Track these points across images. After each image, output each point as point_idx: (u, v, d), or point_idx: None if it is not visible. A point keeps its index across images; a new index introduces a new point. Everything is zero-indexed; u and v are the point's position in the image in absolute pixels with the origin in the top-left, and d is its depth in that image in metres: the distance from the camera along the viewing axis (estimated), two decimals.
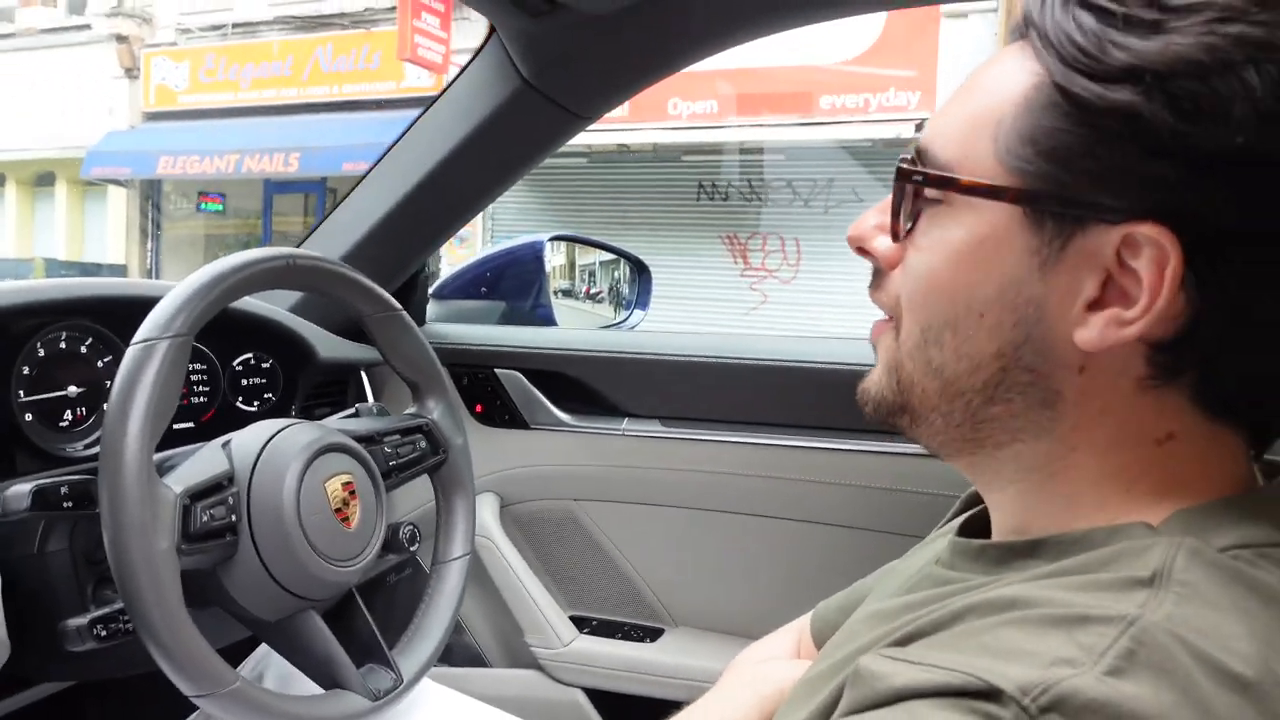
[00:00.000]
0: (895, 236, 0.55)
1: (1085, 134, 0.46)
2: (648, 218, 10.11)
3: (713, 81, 9.10)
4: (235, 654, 1.06)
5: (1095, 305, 0.48)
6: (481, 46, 1.17)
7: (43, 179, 13.82)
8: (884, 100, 8.77)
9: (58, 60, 12.86)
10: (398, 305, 0.97)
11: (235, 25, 12.07)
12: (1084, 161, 0.47)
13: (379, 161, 1.30)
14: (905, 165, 0.54)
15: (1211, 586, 0.43)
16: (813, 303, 9.31)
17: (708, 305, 9.52)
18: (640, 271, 1.94)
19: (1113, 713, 0.38)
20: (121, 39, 12.53)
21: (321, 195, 12.56)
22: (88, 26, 12.83)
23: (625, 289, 1.96)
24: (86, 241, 13.54)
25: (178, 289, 0.77)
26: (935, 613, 0.50)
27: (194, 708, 0.76)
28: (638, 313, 1.89)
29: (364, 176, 1.33)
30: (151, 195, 13.08)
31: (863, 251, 0.59)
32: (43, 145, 12.91)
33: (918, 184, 0.54)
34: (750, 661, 0.82)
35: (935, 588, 0.56)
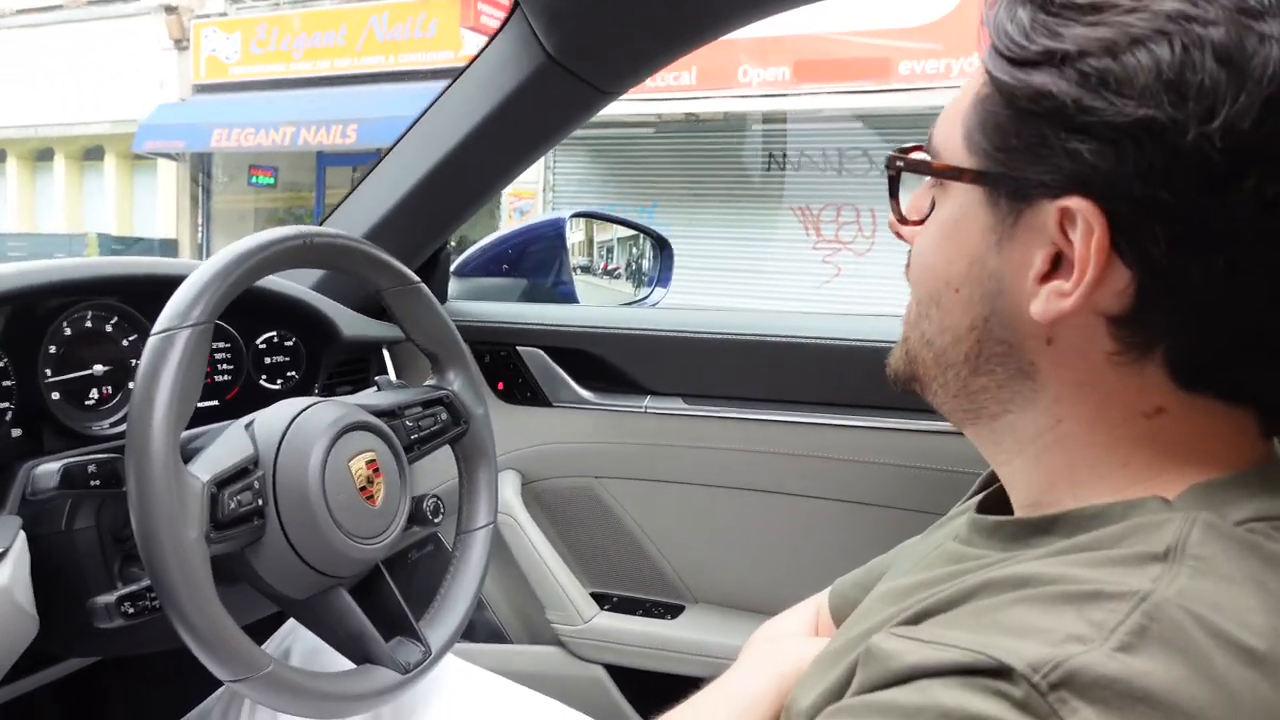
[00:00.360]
0: (902, 220, 0.61)
1: (1011, 115, 0.50)
2: (716, 189, 9.84)
3: (785, 47, 8.81)
4: (262, 628, 1.07)
5: (1045, 278, 0.51)
6: (505, 21, 1.16)
7: (91, 153, 13.69)
8: (966, 65, 8.40)
9: (105, 32, 12.63)
10: (416, 278, 0.97)
11: None
12: (1015, 141, 0.51)
13: (401, 138, 1.30)
14: (893, 154, 0.59)
15: (1227, 560, 0.44)
16: (889, 275, 8.90)
17: (778, 279, 9.32)
18: (662, 248, 1.93)
19: (1123, 688, 0.38)
20: (170, 10, 12.20)
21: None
22: None
23: (645, 265, 1.96)
24: (136, 216, 13.42)
25: (196, 274, 0.76)
26: (948, 590, 0.51)
27: (216, 682, 0.77)
28: (659, 290, 1.88)
29: (386, 153, 1.32)
30: (202, 169, 12.87)
31: (900, 235, 0.63)
32: (91, 119, 12.72)
33: (899, 168, 0.59)
34: (767, 638, 0.83)
35: (951, 564, 0.57)
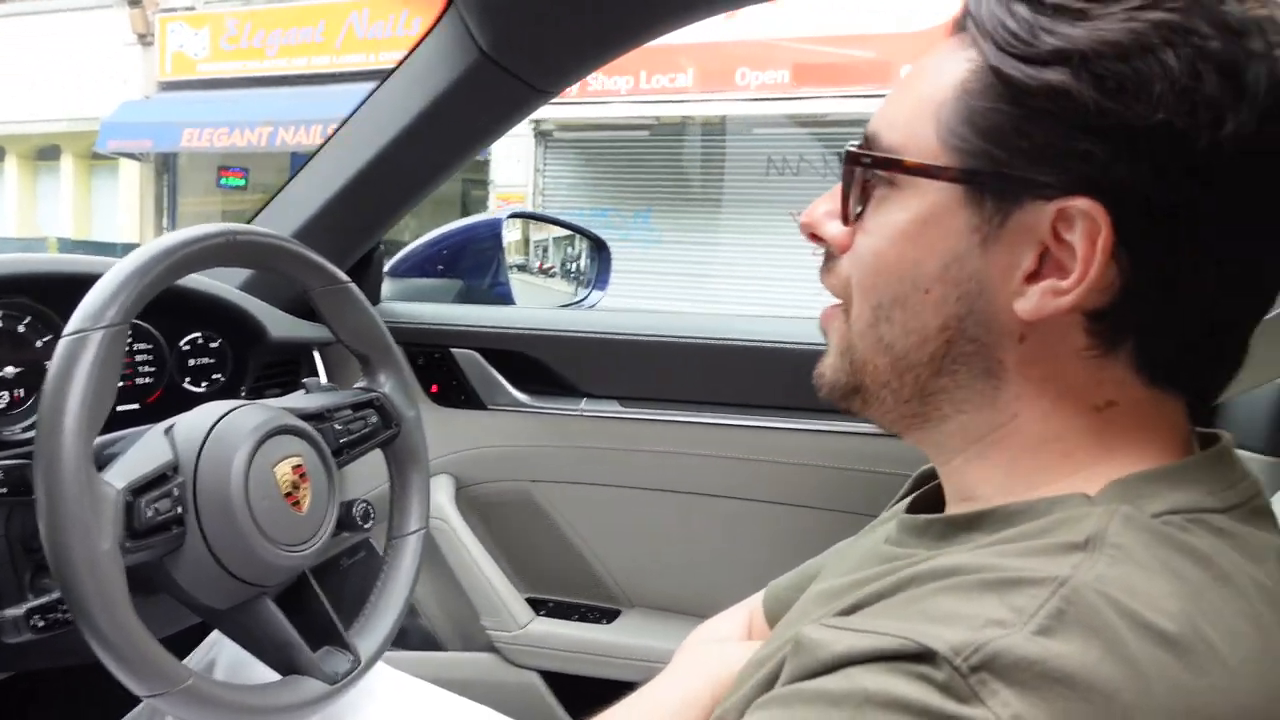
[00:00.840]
0: (845, 220, 0.58)
1: (1018, 113, 0.49)
2: (713, 193, 9.78)
3: (785, 50, 8.79)
4: (185, 639, 1.04)
5: (1032, 277, 0.51)
6: (439, 18, 1.14)
7: (45, 153, 13.09)
8: None
9: (62, 26, 12.05)
10: (345, 278, 0.95)
11: None
12: (1018, 140, 0.49)
13: (333, 136, 1.27)
14: (854, 149, 0.56)
15: (1143, 550, 0.45)
16: None
17: (777, 285, 9.12)
18: (600, 250, 1.92)
19: (1040, 670, 0.40)
20: (134, 3, 11.70)
21: None
22: None
23: (581, 265, 1.96)
24: (95, 219, 12.82)
25: (112, 272, 0.73)
26: (877, 585, 0.51)
27: (136, 698, 0.74)
28: (596, 292, 1.87)
29: (317, 151, 1.29)
30: (167, 170, 12.32)
31: (814, 238, 0.61)
32: (46, 117, 12.15)
33: (865, 166, 0.56)
34: (700, 641, 0.83)
35: (881, 564, 0.57)
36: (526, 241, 1.88)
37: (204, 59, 11.41)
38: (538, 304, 1.81)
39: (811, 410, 1.28)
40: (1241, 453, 0.55)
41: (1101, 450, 0.52)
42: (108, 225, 12.45)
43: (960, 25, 0.55)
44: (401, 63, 1.20)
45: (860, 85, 8.54)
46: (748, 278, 9.20)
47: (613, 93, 9.51)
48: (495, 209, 9.82)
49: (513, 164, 10.17)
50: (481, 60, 1.12)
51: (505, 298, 1.70)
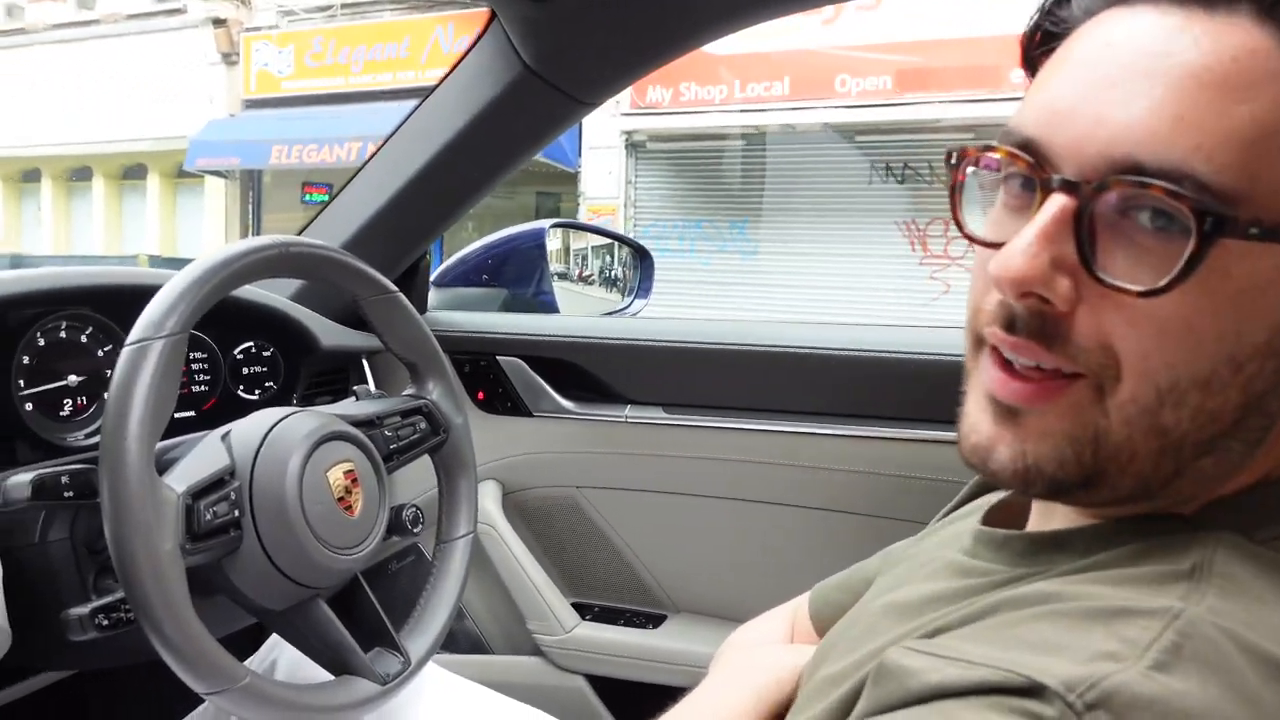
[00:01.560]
0: (1169, 288, 0.42)
1: None
2: (812, 203, 9.45)
3: (887, 56, 8.58)
4: (246, 639, 1.06)
5: None
6: (482, 32, 1.16)
7: (131, 172, 13.28)
8: None
9: (146, 47, 12.22)
10: (393, 287, 0.97)
11: (344, 5, 11.22)
12: None
13: (380, 149, 1.30)
14: (1194, 198, 0.41)
15: (1254, 580, 0.42)
16: None
17: (879, 296, 8.94)
18: (642, 258, 1.93)
19: (1161, 709, 0.36)
20: (219, 23, 11.79)
21: None
22: (181, 10, 12.03)
23: (619, 272, 1.97)
24: (180, 236, 13.00)
25: (171, 284, 0.76)
26: (966, 609, 0.48)
27: (198, 696, 0.76)
28: (639, 300, 1.88)
29: (364, 164, 1.32)
30: (252, 187, 12.35)
31: (1028, 296, 0.45)
32: (131, 136, 12.28)
33: (1239, 235, 0.41)
34: (739, 646, 0.81)
35: (959, 578, 0.54)
36: (567, 250, 1.90)
37: (288, 76, 11.40)
38: (579, 309, 1.82)
39: (854, 416, 1.28)
40: None
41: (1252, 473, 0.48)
42: (193, 242, 12.61)
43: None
44: (446, 76, 1.22)
45: (966, 90, 8.28)
46: (850, 288, 8.98)
47: (707, 102, 9.40)
48: (587, 221, 9.88)
49: (604, 176, 10.10)
50: (525, 74, 1.14)
51: (549, 306, 1.72)
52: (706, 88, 9.32)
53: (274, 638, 1.10)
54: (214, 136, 11.34)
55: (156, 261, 11.45)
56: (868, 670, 0.47)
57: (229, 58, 11.81)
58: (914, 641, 0.46)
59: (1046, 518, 0.54)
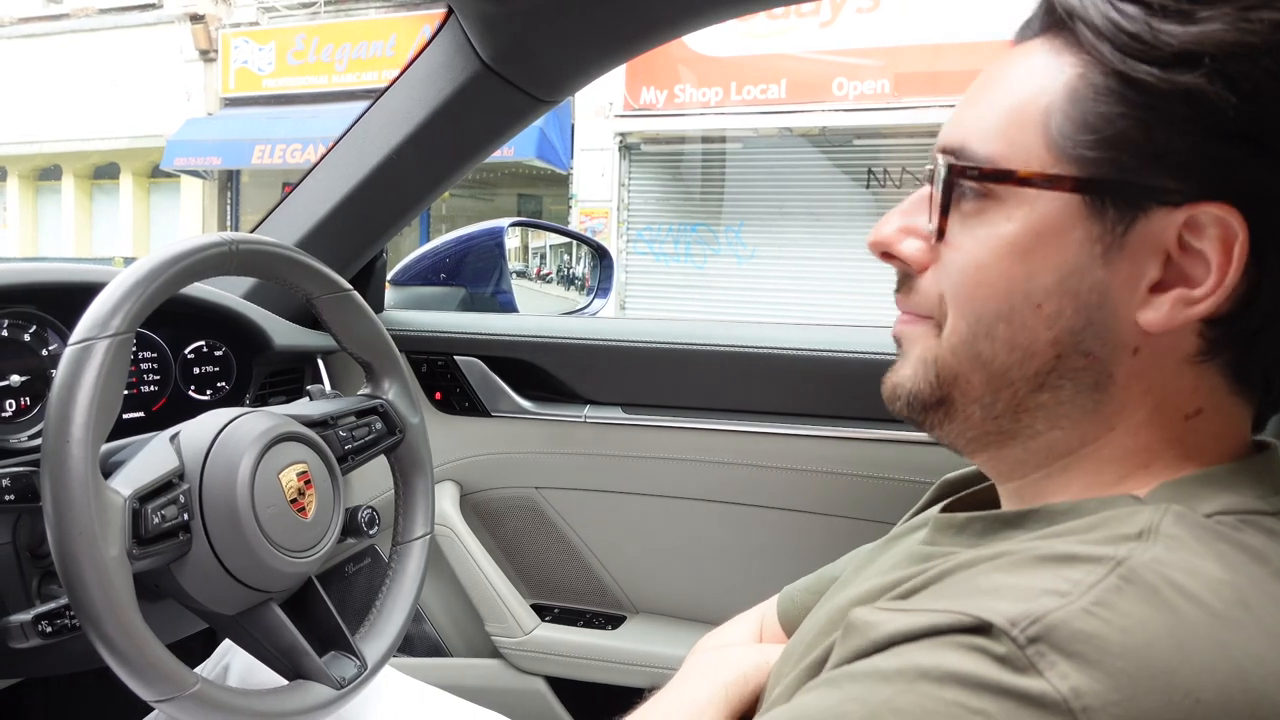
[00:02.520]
0: (941, 235, 0.55)
1: (1146, 118, 0.47)
2: (811, 206, 9.33)
3: (885, 59, 8.55)
4: (197, 645, 1.04)
5: (1157, 287, 0.49)
6: (439, 28, 1.15)
7: (103, 171, 12.84)
8: None
9: (120, 43, 11.79)
10: (347, 285, 0.95)
11: (327, 2, 10.89)
12: (1145, 145, 0.47)
13: (334, 146, 1.28)
14: (955, 163, 0.53)
15: (1197, 542, 0.45)
16: None
17: (878, 300, 8.75)
18: (602, 257, 1.93)
19: (1099, 644, 0.39)
20: (196, 19, 11.32)
21: None
22: (156, 5, 11.60)
23: (578, 271, 1.97)
24: (155, 238, 12.54)
25: (116, 282, 0.74)
26: (923, 576, 0.51)
27: (146, 704, 0.74)
28: (598, 300, 1.87)
29: (319, 161, 1.30)
30: (231, 187, 12.03)
31: (888, 257, 0.59)
32: (103, 135, 11.87)
33: (973, 179, 0.53)
34: (710, 648, 0.82)
35: (919, 563, 0.56)
36: (526, 248, 1.89)
37: (270, 74, 11.06)
38: (539, 308, 1.82)
39: (815, 416, 1.29)
40: None
41: (1178, 459, 0.51)
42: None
43: (1036, 29, 0.54)
44: (403, 73, 1.20)
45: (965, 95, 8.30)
46: (848, 292, 8.93)
47: (702, 104, 9.27)
48: (578, 225, 9.68)
49: (596, 178, 9.94)
50: (482, 70, 1.12)
51: (508, 305, 1.70)
52: (702, 90, 9.25)
53: (226, 643, 1.08)
54: (193, 135, 11.03)
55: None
56: (833, 638, 0.50)
57: (207, 55, 11.47)
58: (880, 601, 0.51)
59: (1019, 499, 0.57)
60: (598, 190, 10.00)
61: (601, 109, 9.75)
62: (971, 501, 0.62)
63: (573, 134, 9.96)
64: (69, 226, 13.05)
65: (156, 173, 12.01)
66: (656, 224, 9.94)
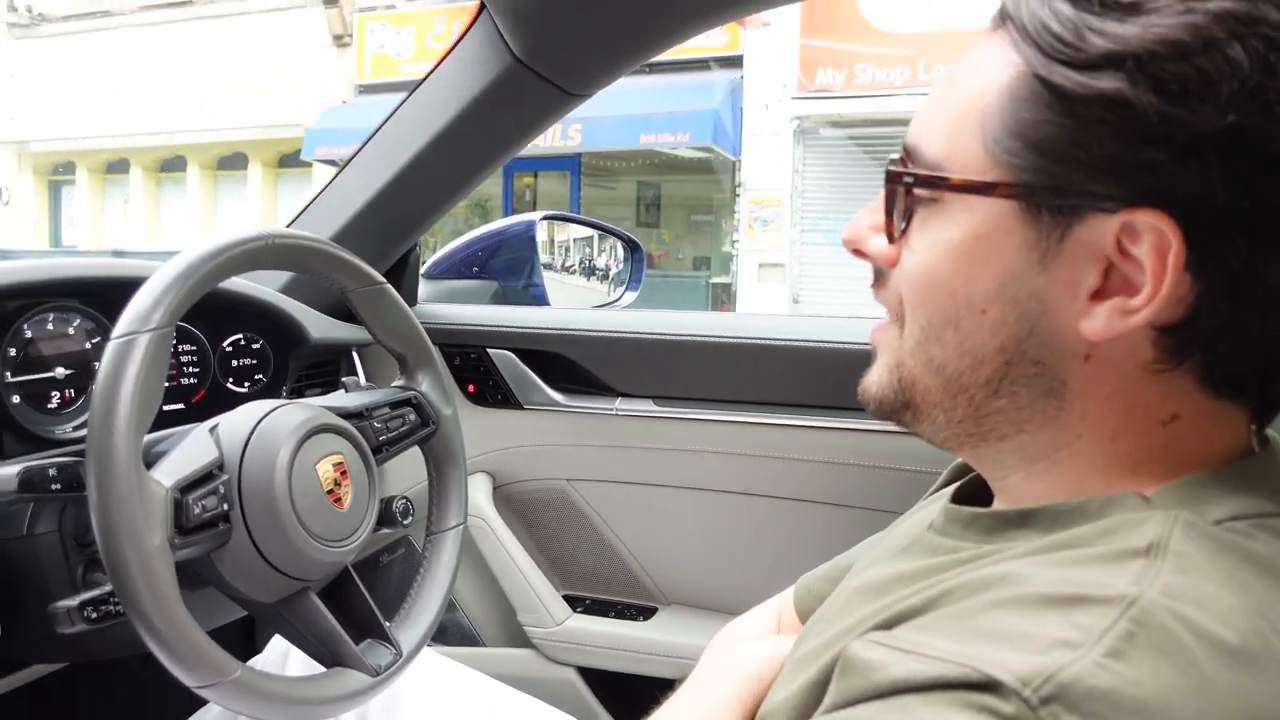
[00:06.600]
0: (891, 238, 0.55)
1: (1071, 124, 0.46)
2: None
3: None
4: (239, 633, 1.06)
5: (1098, 295, 0.48)
6: (471, 23, 1.15)
7: (227, 162, 12.65)
8: None
9: (248, 30, 11.42)
10: (381, 278, 0.96)
11: None
12: (1072, 152, 0.46)
13: (369, 141, 1.29)
14: (894, 167, 0.53)
15: (1207, 561, 0.43)
16: None
17: None
18: (634, 251, 1.93)
19: (1114, 700, 0.37)
20: (330, 3, 10.89)
21: (576, 172, 10.77)
22: None
23: (600, 263, 1.98)
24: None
25: (156, 277, 0.75)
26: (925, 591, 0.49)
27: (188, 690, 0.76)
28: (630, 293, 1.88)
29: (353, 156, 1.31)
30: None
31: (859, 253, 0.58)
32: (229, 125, 11.59)
33: (909, 185, 0.53)
34: (726, 644, 0.82)
35: (927, 556, 0.56)
36: (552, 242, 1.90)
37: (408, 59, 10.59)
38: (570, 299, 1.83)
39: (844, 409, 1.28)
40: None
41: (1167, 464, 0.50)
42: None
43: (997, 24, 0.51)
44: (436, 68, 1.21)
45: None
46: None
47: (886, 85, 8.69)
48: (748, 214, 9.35)
49: (767, 165, 9.42)
50: (514, 65, 1.13)
51: (540, 299, 1.71)
52: (885, 70, 8.71)
53: None
54: (333, 124, 10.54)
55: None
56: (836, 651, 0.49)
57: (341, 40, 11.00)
58: (876, 634, 0.48)
59: (1014, 496, 0.56)
60: (769, 178, 9.48)
61: (775, 91, 9.22)
62: (983, 481, 0.61)
63: (741, 118, 9.44)
64: (194, 218, 12.81)
65: (285, 162, 11.76)
66: (834, 213, 9.35)
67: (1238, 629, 0.40)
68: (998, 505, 0.58)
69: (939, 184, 0.51)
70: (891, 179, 0.53)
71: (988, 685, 0.39)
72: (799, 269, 9.46)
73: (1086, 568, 0.44)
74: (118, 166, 13.58)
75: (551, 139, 9.35)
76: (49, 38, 12.82)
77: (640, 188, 11.15)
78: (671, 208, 11.58)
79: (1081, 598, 0.42)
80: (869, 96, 8.87)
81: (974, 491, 0.63)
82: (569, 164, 10.69)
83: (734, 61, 9.47)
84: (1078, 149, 0.46)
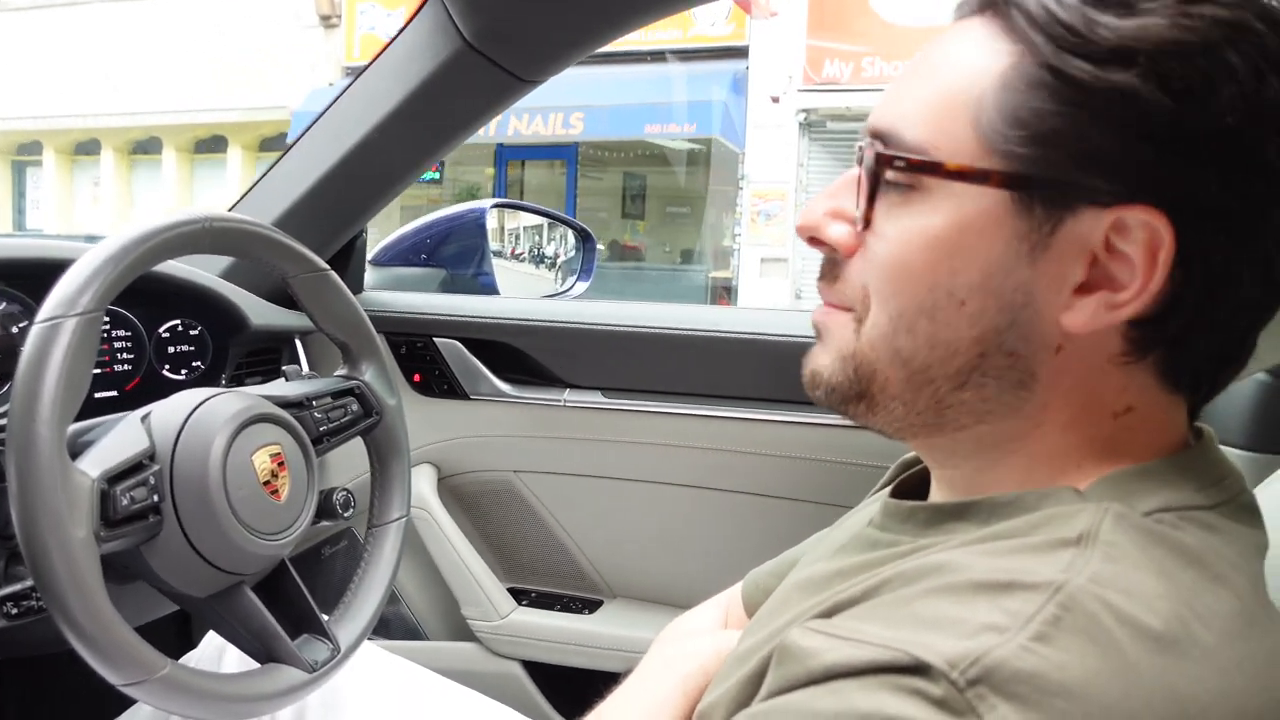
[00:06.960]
0: (867, 224, 0.52)
1: (1078, 115, 0.45)
2: None
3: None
4: (171, 629, 1.03)
5: (1082, 289, 0.48)
6: (420, 6, 1.13)
7: (205, 145, 12.22)
8: None
9: (228, 10, 10.96)
10: (323, 265, 0.94)
11: None
12: (1075, 144, 0.46)
13: (314, 124, 1.27)
14: (884, 152, 0.51)
15: (1136, 550, 0.44)
16: None
17: None
18: (585, 240, 1.92)
19: (1039, 683, 0.39)
20: None
21: (573, 163, 10.67)
22: None
23: (549, 251, 1.97)
24: None
25: (85, 259, 0.72)
26: (864, 582, 0.50)
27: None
28: (580, 283, 1.87)
29: (297, 140, 1.29)
30: None
31: (815, 241, 0.56)
32: (208, 107, 11.15)
33: (898, 169, 0.51)
34: (672, 639, 0.81)
35: (866, 551, 0.56)
36: (502, 229, 1.89)
37: None
38: (520, 287, 1.81)
39: (793, 402, 1.28)
40: (1221, 448, 0.55)
41: (1108, 456, 0.50)
42: None
43: (973, 8, 0.51)
44: (384, 50, 1.19)
45: None
46: None
47: (894, 78, 8.75)
48: (751, 207, 9.25)
49: (771, 159, 9.32)
50: (464, 49, 1.11)
51: (489, 288, 1.69)
52: (894, 62, 8.59)
53: None
54: (320, 107, 10.30)
55: None
56: (773, 646, 0.49)
57: (328, 20, 10.72)
58: (814, 621, 0.48)
59: (959, 487, 0.56)
60: (773, 171, 9.38)
61: (780, 83, 9.15)
62: (923, 476, 0.61)
63: (745, 110, 9.39)
64: (170, 203, 12.21)
65: (267, 145, 11.48)
66: None
67: (1162, 616, 0.41)
68: (935, 498, 0.58)
69: (933, 170, 0.49)
70: (880, 162, 0.51)
71: (917, 668, 0.40)
72: (801, 264, 9.45)
73: (1019, 556, 0.45)
74: (88, 147, 13.13)
75: (553, 127, 9.34)
76: (15, 10, 12.32)
77: (626, 178, 11.13)
78: (655, 199, 11.54)
79: (1011, 584, 0.42)
80: (877, 90, 8.86)
81: (913, 488, 0.63)
82: (566, 152, 10.62)
83: (739, 52, 9.46)
84: (1081, 141, 0.46)
